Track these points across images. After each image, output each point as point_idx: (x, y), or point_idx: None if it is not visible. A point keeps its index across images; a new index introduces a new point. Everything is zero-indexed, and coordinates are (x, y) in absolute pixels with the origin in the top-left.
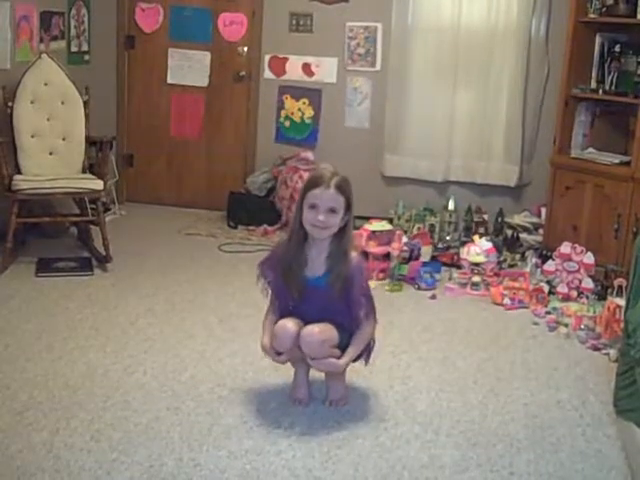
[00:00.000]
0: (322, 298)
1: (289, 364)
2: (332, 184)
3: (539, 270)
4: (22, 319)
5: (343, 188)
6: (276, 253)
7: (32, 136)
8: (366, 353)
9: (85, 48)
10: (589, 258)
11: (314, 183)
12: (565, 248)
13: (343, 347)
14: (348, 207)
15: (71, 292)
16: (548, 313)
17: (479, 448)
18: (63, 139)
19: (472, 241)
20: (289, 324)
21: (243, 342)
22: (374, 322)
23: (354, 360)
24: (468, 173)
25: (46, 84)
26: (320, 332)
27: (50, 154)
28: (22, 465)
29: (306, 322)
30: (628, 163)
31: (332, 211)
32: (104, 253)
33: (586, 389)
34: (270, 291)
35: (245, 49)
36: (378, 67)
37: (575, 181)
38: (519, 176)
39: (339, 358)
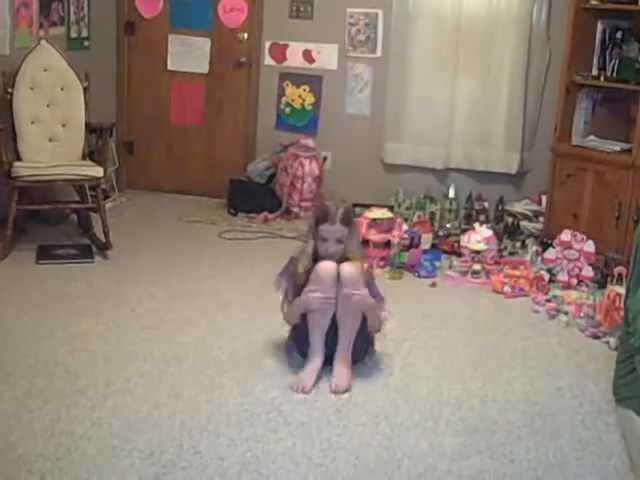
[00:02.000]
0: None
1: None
2: (337, 219)
3: (539, 258)
4: (23, 306)
5: (346, 220)
6: (289, 268)
7: (32, 122)
8: (371, 347)
9: (85, 34)
10: (589, 246)
11: (323, 218)
12: (565, 236)
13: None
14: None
15: (72, 279)
16: (548, 301)
17: (479, 435)
18: (63, 126)
19: (472, 229)
20: (329, 263)
21: (243, 329)
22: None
23: (358, 357)
24: (469, 160)
25: (46, 70)
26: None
27: (50, 141)
28: (23, 452)
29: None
30: (629, 151)
31: (339, 241)
32: (104, 240)
33: (586, 377)
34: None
35: (245, 35)
36: (379, 54)
37: (576, 169)
38: (520, 163)
39: None
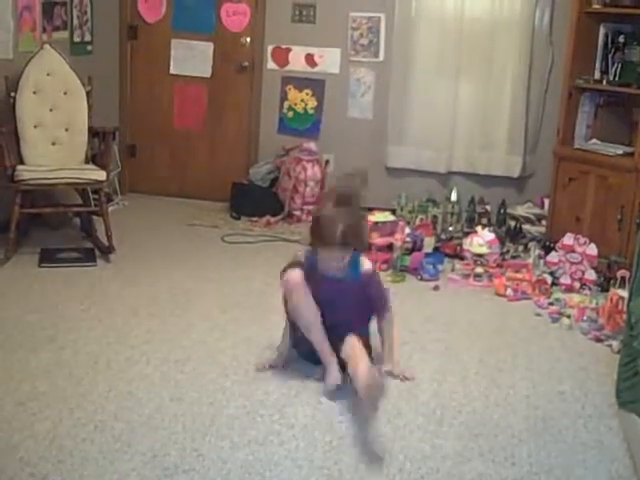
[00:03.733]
0: (342, 292)
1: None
2: (337, 242)
3: (542, 261)
4: (25, 309)
5: (347, 239)
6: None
7: (35, 126)
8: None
9: (88, 38)
10: (592, 249)
11: (323, 241)
12: (568, 239)
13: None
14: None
15: (74, 283)
16: (551, 304)
17: (481, 439)
18: (66, 130)
19: (475, 232)
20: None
21: (246, 333)
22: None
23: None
24: (471, 164)
25: (49, 74)
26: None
27: (53, 144)
28: (25, 455)
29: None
30: (632, 154)
31: (342, 258)
32: (107, 244)
33: (588, 380)
34: None
35: (248, 39)
36: (381, 58)
37: (578, 172)
38: (522, 167)
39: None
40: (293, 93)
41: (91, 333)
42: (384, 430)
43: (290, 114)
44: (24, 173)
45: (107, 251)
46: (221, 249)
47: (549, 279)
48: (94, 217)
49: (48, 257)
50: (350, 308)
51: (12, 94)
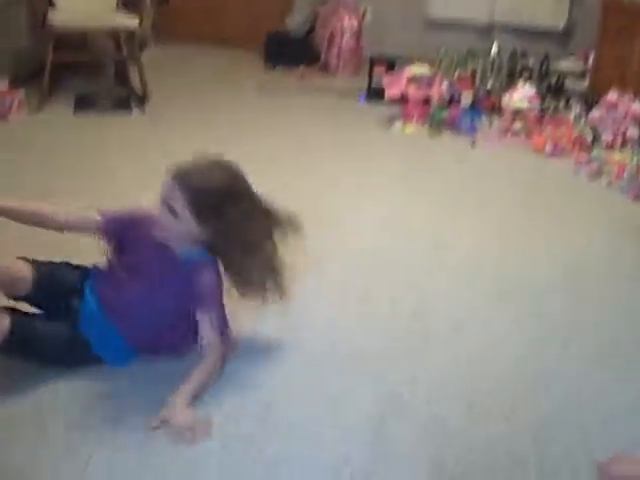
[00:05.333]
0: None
1: None
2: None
3: (583, 118)
4: (62, 155)
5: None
6: None
7: None
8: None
9: None
10: (637, 106)
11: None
12: (612, 95)
13: None
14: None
15: (109, 130)
16: (590, 162)
17: (511, 295)
18: None
19: (515, 87)
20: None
21: (285, 179)
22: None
23: None
24: (514, 13)
25: None
26: None
27: None
28: None
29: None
30: None
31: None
32: (142, 92)
33: (623, 240)
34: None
35: None
36: None
37: (627, 24)
38: (568, 17)
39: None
40: None
41: (126, 181)
42: (409, 294)
43: None
44: (56, 17)
45: (142, 99)
46: (257, 98)
47: (590, 136)
48: (129, 66)
49: (83, 105)
50: (161, 294)
51: None
